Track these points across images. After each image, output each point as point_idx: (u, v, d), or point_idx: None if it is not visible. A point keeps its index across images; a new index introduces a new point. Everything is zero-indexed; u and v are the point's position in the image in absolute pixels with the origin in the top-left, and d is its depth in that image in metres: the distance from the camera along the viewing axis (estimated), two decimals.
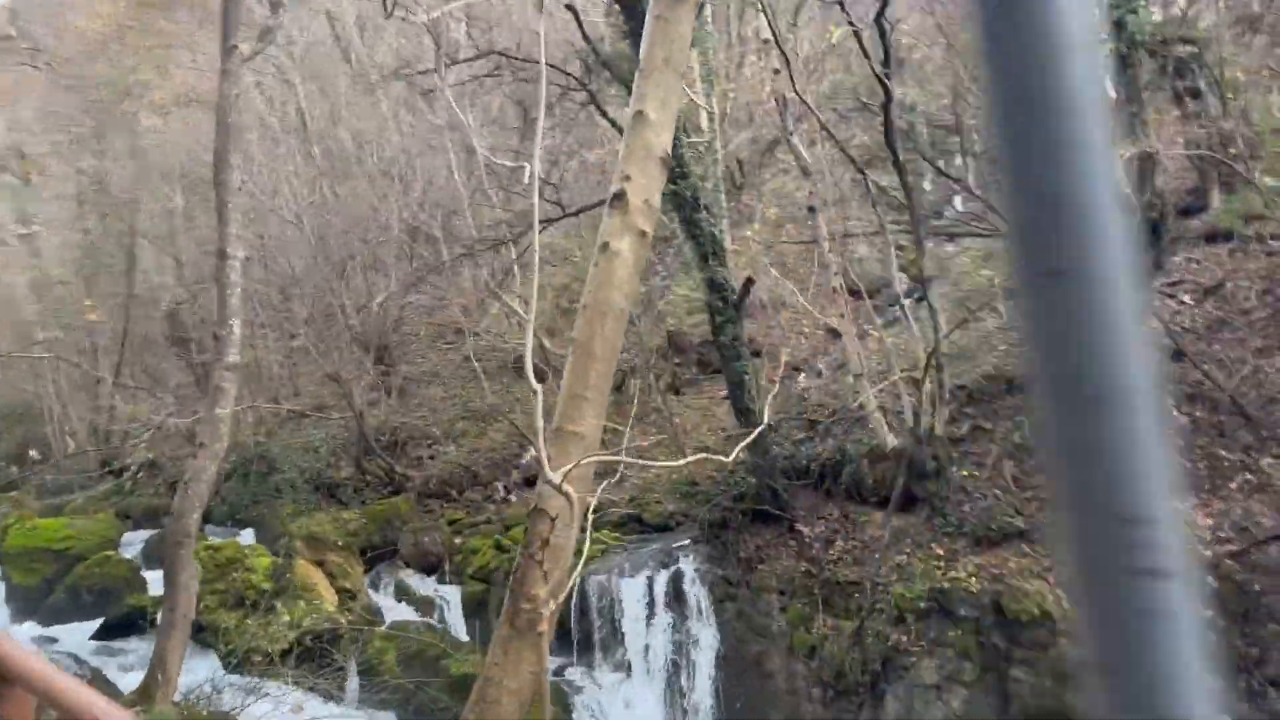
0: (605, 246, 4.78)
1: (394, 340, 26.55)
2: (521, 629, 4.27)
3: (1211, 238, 16.35)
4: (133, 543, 21.08)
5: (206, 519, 22.97)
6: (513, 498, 21.14)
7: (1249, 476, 11.88)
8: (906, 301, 13.73)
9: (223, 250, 8.09)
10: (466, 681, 14.03)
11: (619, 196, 4.62)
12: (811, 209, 13.19)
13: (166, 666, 6.60)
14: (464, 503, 21.63)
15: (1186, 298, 15.32)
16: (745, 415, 13.58)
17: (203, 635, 14.79)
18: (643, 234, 4.80)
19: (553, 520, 4.48)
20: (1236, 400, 12.50)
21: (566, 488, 4.52)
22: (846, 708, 12.60)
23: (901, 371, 13.47)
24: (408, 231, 23.77)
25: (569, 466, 4.62)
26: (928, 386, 12.77)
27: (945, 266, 19.78)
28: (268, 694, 9.60)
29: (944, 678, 11.96)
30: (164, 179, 27.50)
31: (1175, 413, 12.99)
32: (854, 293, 23.18)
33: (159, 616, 6.52)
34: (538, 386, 5.00)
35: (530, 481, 21.66)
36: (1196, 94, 15.76)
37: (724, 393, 22.07)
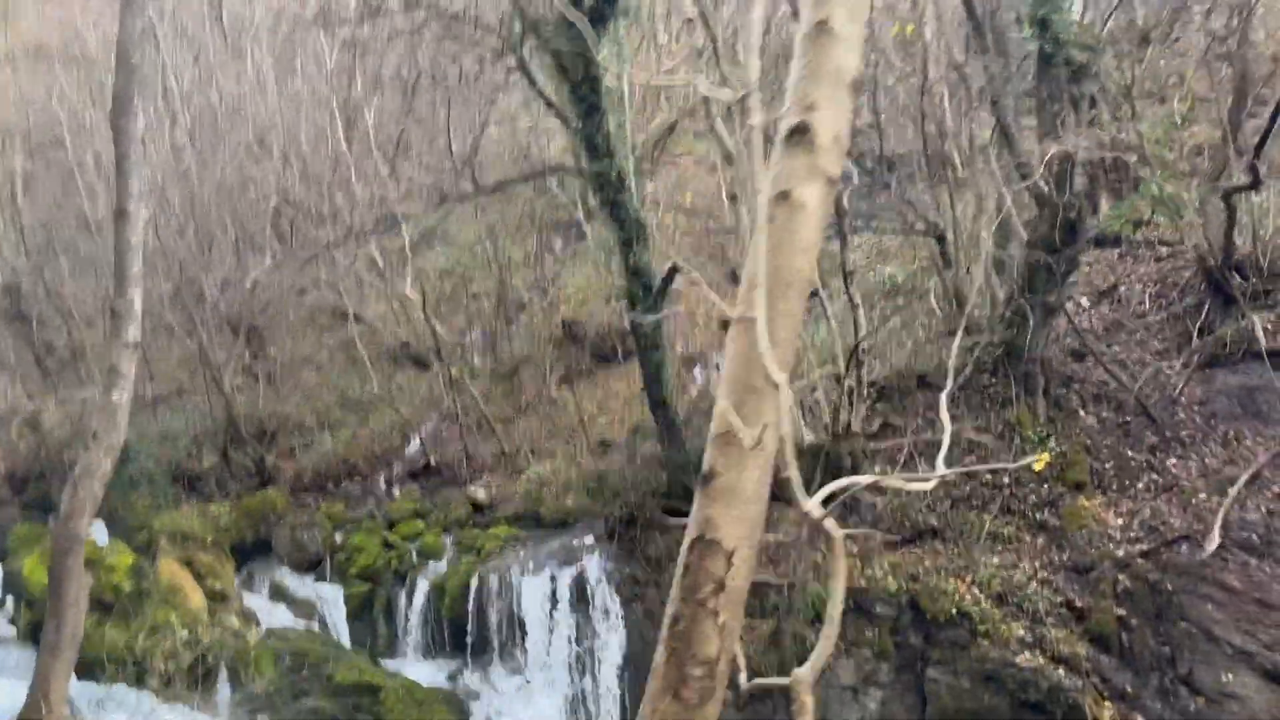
0: (784, 197, 3.62)
1: (263, 322, 24.83)
2: (691, 702, 3.45)
3: (1100, 242, 16.80)
4: None
5: (49, 510, 20.94)
6: (396, 491, 20.01)
7: (1155, 477, 12.13)
8: (823, 294, 13.45)
9: (122, 209, 6.90)
10: (353, 690, 13.06)
11: (800, 131, 3.49)
12: (733, 196, 12.72)
13: (50, 696, 5.52)
14: (342, 496, 20.33)
15: (1084, 300, 15.67)
16: (662, 408, 13.04)
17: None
18: (830, 182, 3.68)
19: (729, 555, 3.58)
20: (1141, 401, 12.76)
21: (830, 524, 3.68)
22: (761, 710, 12.23)
23: (820, 366, 13.21)
24: (286, 205, 22.18)
25: (824, 492, 3.73)
26: (847, 383, 12.53)
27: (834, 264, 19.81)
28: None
29: (861, 679, 11.76)
30: (4, 137, 24.89)
31: (1082, 412, 13.21)
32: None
33: (41, 637, 5.42)
34: (781, 378, 3.64)
35: (414, 475, 20.59)
36: (1093, 102, 16.11)
37: (621, 384, 21.57)
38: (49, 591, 5.56)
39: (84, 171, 23.60)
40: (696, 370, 20.19)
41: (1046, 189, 12.14)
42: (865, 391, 12.88)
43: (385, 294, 24.07)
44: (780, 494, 12.65)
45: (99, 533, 19.68)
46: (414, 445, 21.25)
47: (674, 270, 11.78)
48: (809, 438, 13.36)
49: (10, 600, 15.06)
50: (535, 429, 20.15)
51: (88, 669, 13.25)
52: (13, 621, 14.11)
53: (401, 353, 23.76)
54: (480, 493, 18.47)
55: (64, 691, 5.62)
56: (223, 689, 14.07)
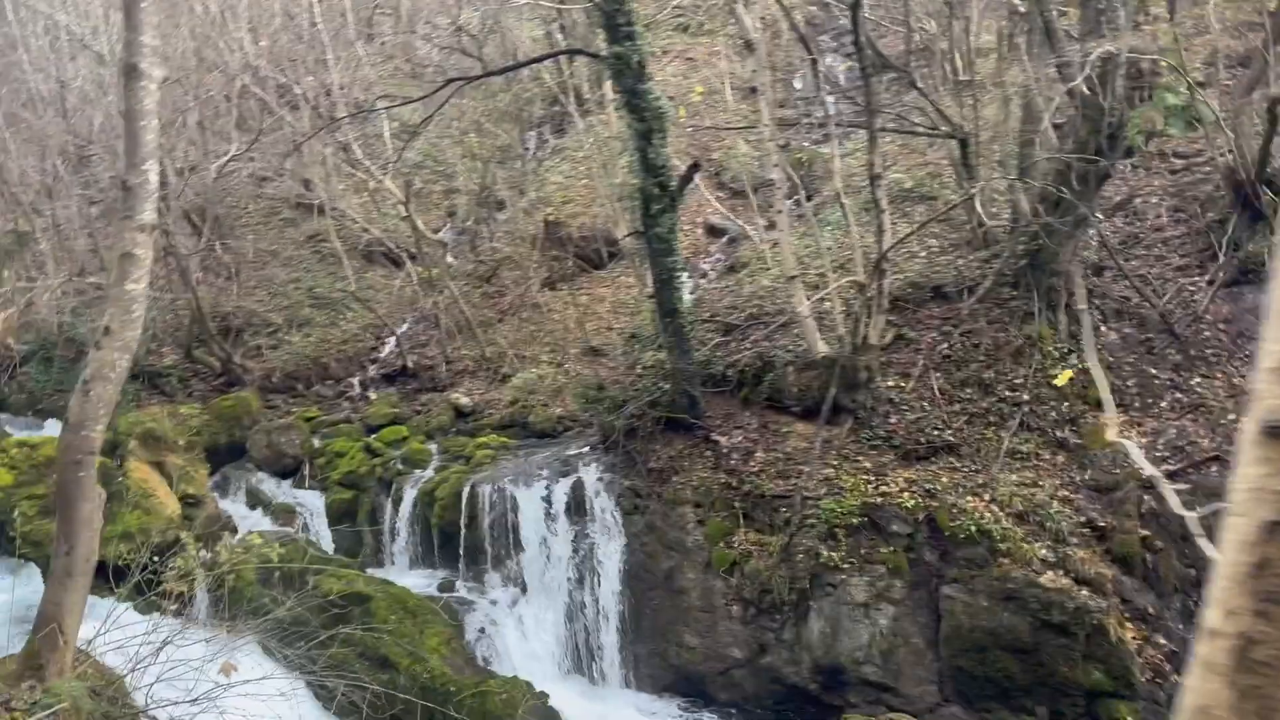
0: None
1: (223, 213, 23.48)
2: None
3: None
4: None
5: (2, 407, 19.82)
6: (371, 394, 19.23)
7: (1179, 396, 11.85)
8: (846, 202, 12.76)
9: (132, 64, 5.78)
10: (341, 599, 12.50)
11: None
12: (754, 89, 11.85)
13: (64, 625, 4.83)
14: (313, 398, 19.52)
15: (1097, 213, 15.18)
16: (672, 317, 12.36)
17: (19, 546, 12.46)
18: None
19: None
20: (1165, 318, 12.41)
21: None
22: (768, 625, 11.98)
23: (832, 273, 12.60)
24: (253, 84, 20.64)
25: None
26: (869, 293, 11.96)
27: (829, 169, 19.05)
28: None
29: (873, 596, 11.48)
30: None
31: (1104, 328, 12.83)
32: (738, 192, 22.27)
33: (51, 561, 4.67)
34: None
35: (390, 378, 19.78)
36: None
37: (607, 290, 20.81)
38: (57, 509, 4.82)
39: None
40: (685, 277, 19.44)
41: (1089, 91, 11.46)
42: (885, 302, 12.31)
43: (357, 186, 22.85)
44: (785, 404, 12.04)
45: (53, 430, 18.71)
46: (389, 347, 20.41)
47: (695, 167, 10.97)
48: (822, 350, 12.83)
49: None
50: (518, 334, 19.39)
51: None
52: None
53: (373, 249, 22.66)
54: (463, 399, 17.79)
55: (79, 621, 4.93)
56: (201, 597, 13.45)
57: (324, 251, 22.86)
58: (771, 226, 19.47)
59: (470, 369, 18.93)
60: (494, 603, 13.49)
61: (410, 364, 19.39)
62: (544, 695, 11.77)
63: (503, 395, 17.70)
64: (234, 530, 14.16)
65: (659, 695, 12.71)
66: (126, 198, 5.34)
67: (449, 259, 22.17)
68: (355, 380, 19.69)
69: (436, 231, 24.40)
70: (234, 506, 14.77)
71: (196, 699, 5.79)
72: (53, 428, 19.13)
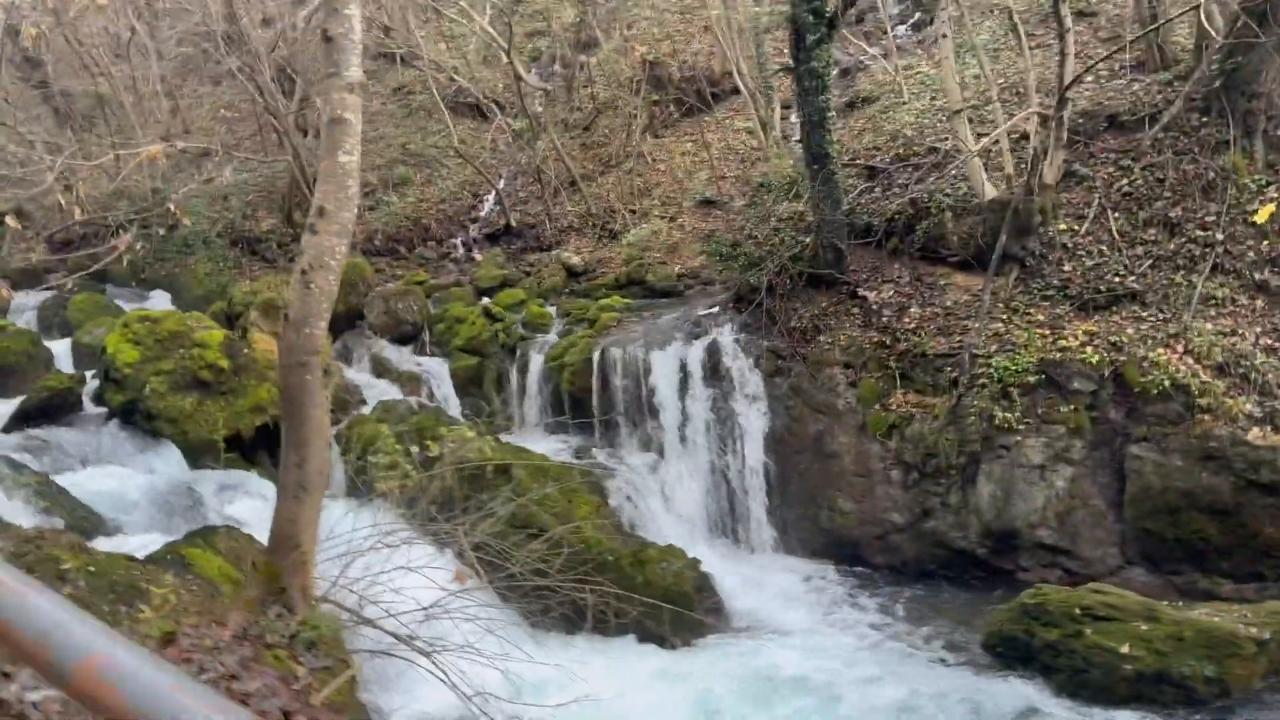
0: None
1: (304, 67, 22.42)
2: None
3: None
4: (24, 308, 17.65)
5: (104, 279, 19.59)
6: (476, 255, 18.56)
7: None
8: (1017, 18, 11.31)
9: None
10: (480, 467, 12.15)
11: None
12: None
13: (303, 543, 4.30)
14: (415, 260, 18.95)
15: None
16: (822, 163, 11.28)
17: (155, 424, 12.31)
18: None
19: None
20: None
21: None
22: (932, 490, 11.39)
23: (1000, 102, 11.31)
24: None
25: None
26: (1051, 126, 10.70)
27: None
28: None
29: (1050, 457, 10.76)
30: None
31: None
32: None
33: (280, 474, 4.06)
34: None
35: (492, 238, 19.05)
36: None
37: (713, 136, 19.53)
38: (284, 416, 4.24)
39: None
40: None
41: None
42: (1065, 136, 11.04)
43: (441, 33, 21.55)
44: (941, 254, 10.93)
45: (161, 301, 18.51)
46: (488, 205, 19.60)
47: None
48: (990, 192, 11.70)
49: (89, 377, 13.91)
50: (624, 187, 18.38)
51: (196, 454, 12.42)
52: (101, 401, 13.01)
53: (459, 101, 21.53)
54: (573, 258, 17.02)
55: (315, 539, 4.41)
56: (337, 467, 13.28)
57: (412, 105, 21.83)
58: (887, 55, 17.91)
59: (576, 225, 18.08)
60: (632, 468, 13.09)
61: (514, 222, 18.60)
62: (696, 561, 11.45)
63: (615, 253, 16.89)
64: (363, 402, 13.86)
65: (810, 559, 12.34)
66: (329, 51, 4.49)
67: (538, 107, 21.00)
68: (458, 241, 19.02)
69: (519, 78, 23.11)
70: (359, 376, 14.41)
71: (428, 608, 5.33)
72: (160, 299, 18.96)
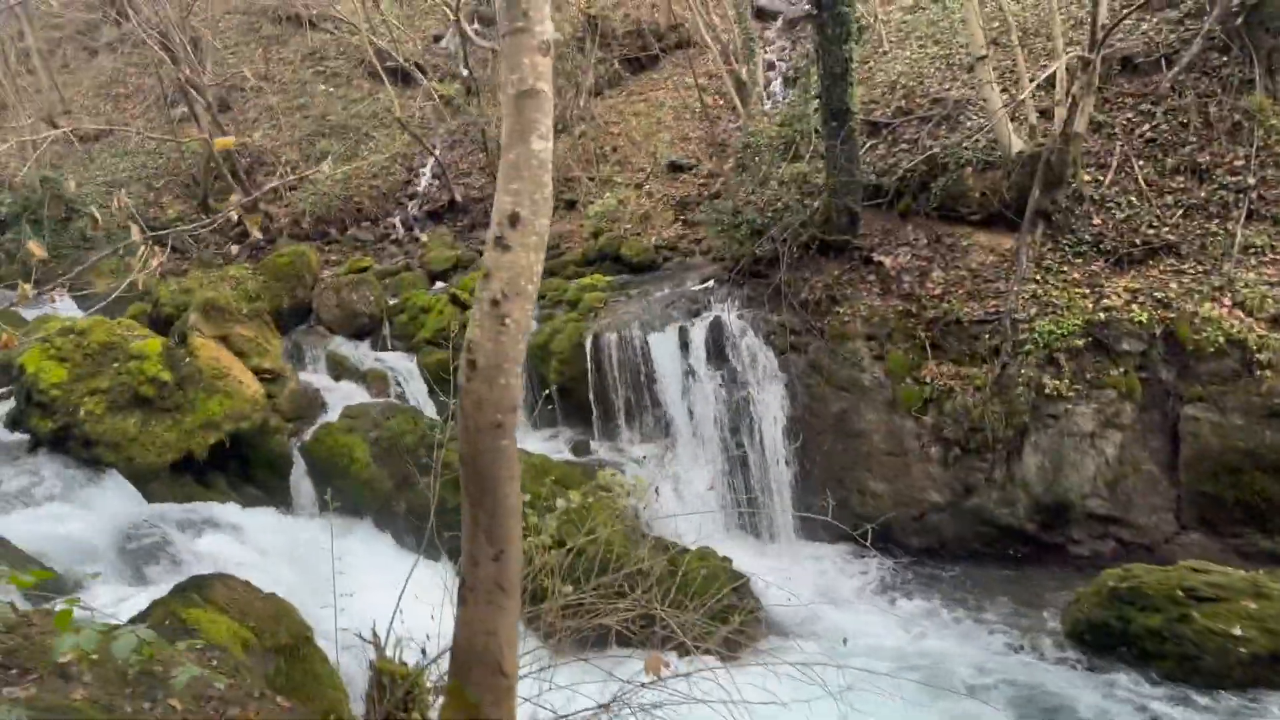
0: None
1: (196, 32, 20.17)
2: None
3: None
4: None
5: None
6: (420, 235, 17.01)
7: None
8: None
9: None
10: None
11: None
12: None
13: (504, 661, 3.03)
14: (350, 243, 17.28)
15: None
16: (841, 119, 10.31)
17: (95, 451, 10.58)
18: None
19: None
20: None
21: None
22: (976, 466, 10.70)
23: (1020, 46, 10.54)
24: None
25: None
26: (1085, 73, 9.98)
27: None
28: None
29: (1100, 423, 10.18)
30: None
31: None
32: None
33: (464, 569, 2.83)
34: None
35: (435, 215, 17.52)
36: None
37: (664, 94, 18.35)
38: (470, 489, 2.95)
39: None
40: (773, 75, 17.11)
41: None
42: (1097, 82, 10.35)
43: None
44: (960, 213, 9.97)
45: (68, 308, 16.36)
46: (426, 178, 18.01)
47: None
48: (1017, 145, 10.95)
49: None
50: (577, 154, 17.07)
51: (144, 482, 10.76)
52: (21, 428, 11.11)
53: (383, 66, 19.73)
54: None
55: (516, 652, 3.20)
56: (302, 485, 11.84)
57: (327, 71, 19.90)
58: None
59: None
60: (638, 461, 12.04)
61: (458, 197, 17.11)
62: (727, 560, 10.52)
63: (578, 226, 15.65)
64: (324, 406, 12.38)
65: (837, 545, 11.56)
66: (510, 4, 3.22)
67: (464, 70, 19.41)
68: (396, 220, 17.41)
69: (439, 39, 21.44)
70: (317, 378, 12.85)
71: (608, 704, 4.17)
72: (69, 306, 16.76)
